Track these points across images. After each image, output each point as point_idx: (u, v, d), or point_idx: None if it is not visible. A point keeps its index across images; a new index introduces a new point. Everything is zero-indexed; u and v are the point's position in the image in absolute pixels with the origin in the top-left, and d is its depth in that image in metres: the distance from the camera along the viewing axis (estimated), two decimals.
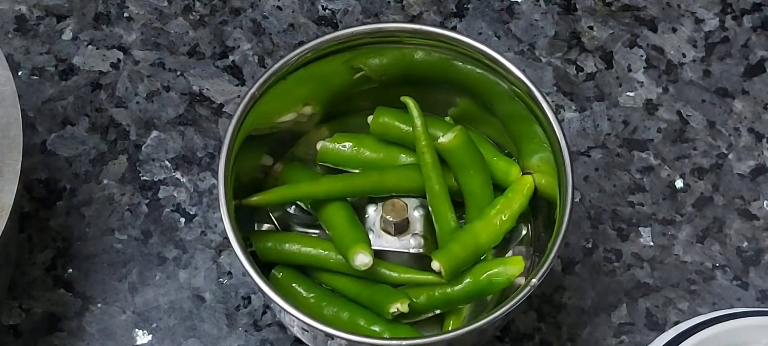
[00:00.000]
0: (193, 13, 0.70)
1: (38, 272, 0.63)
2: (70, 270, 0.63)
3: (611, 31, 0.70)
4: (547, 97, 0.56)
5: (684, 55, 0.69)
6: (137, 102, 0.67)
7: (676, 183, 0.65)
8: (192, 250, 0.63)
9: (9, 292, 0.62)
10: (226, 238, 0.53)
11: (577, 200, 0.64)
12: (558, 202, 0.55)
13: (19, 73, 0.68)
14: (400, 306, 0.55)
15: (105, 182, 0.65)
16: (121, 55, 0.69)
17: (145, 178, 0.65)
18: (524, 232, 0.59)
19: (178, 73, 0.68)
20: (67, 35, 0.69)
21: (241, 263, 0.52)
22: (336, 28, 0.70)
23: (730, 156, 0.66)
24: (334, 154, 0.60)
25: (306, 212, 0.60)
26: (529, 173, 0.58)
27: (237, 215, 0.55)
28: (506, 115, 0.59)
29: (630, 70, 0.68)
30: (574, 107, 0.67)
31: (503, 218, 0.57)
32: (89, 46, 0.69)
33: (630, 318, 0.62)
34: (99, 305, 0.62)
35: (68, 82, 0.68)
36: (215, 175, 0.63)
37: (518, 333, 0.61)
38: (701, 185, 0.65)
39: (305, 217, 0.60)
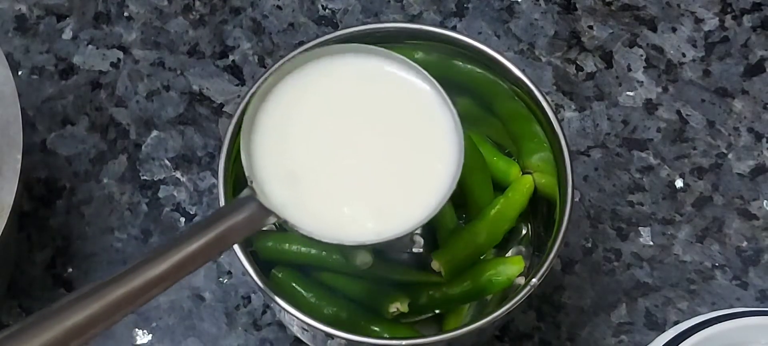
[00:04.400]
0: (193, 13, 0.70)
1: (38, 272, 0.63)
2: (70, 269, 0.63)
3: (611, 31, 0.70)
4: (547, 97, 0.56)
5: (684, 55, 0.69)
6: (137, 101, 0.67)
7: (675, 183, 0.65)
8: None
9: (9, 291, 0.62)
10: None
11: (576, 199, 0.65)
12: (558, 202, 0.55)
13: (19, 72, 0.68)
14: (400, 306, 0.55)
15: (105, 181, 0.65)
16: (121, 54, 0.69)
17: (145, 177, 0.65)
18: (524, 232, 0.59)
19: (178, 72, 0.68)
20: (67, 34, 0.69)
21: (241, 263, 0.52)
22: (336, 27, 0.70)
23: (730, 156, 0.66)
24: None
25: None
26: (529, 173, 0.58)
27: None
28: (506, 114, 0.59)
29: (630, 70, 0.69)
30: (573, 107, 0.67)
31: (503, 218, 0.57)
32: (89, 45, 0.69)
33: (629, 318, 0.62)
34: None
35: (68, 82, 0.68)
36: (215, 174, 0.63)
37: (518, 333, 0.61)
38: (701, 185, 0.65)
39: None
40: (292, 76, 0.51)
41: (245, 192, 0.48)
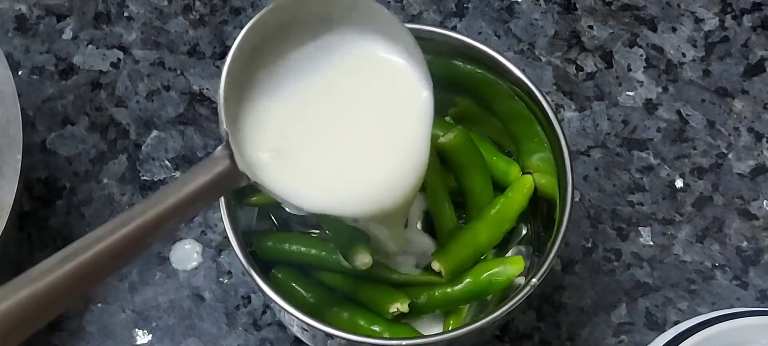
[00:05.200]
0: (193, 13, 0.70)
1: None
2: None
3: (611, 31, 0.70)
4: (547, 97, 0.56)
5: (684, 55, 0.69)
6: (137, 101, 0.67)
7: (675, 183, 0.65)
8: (192, 249, 0.63)
9: None
10: (226, 238, 0.53)
11: (576, 199, 0.65)
12: (558, 201, 0.55)
13: (19, 72, 0.68)
14: (400, 306, 0.55)
15: (105, 181, 0.65)
16: (121, 54, 0.69)
17: (145, 177, 0.65)
18: (524, 232, 0.59)
19: (178, 72, 0.68)
20: (67, 34, 0.69)
21: (241, 263, 0.52)
22: None
23: (730, 156, 0.66)
24: None
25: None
26: (529, 173, 0.58)
27: (237, 215, 0.55)
28: (506, 114, 0.59)
29: (630, 70, 0.69)
30: (574, 107, 0.67)
31: (503, 218, 0.57)
32: (89, 45, 0.69)
33: (629, 318, 0.62)
34: (99, 304, 0.62)
35: (68, 82, 0.68)
36: None
37: (518, 333, 0.61)
38: (701, 185, 0.65)
39: (305, 217, 0.60)
40: (287, 54, 0.51)
41: (219, 151, 0.47)
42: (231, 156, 0.46)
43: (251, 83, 0.50)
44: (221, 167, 0.46)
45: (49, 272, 0.42)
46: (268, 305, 0.62)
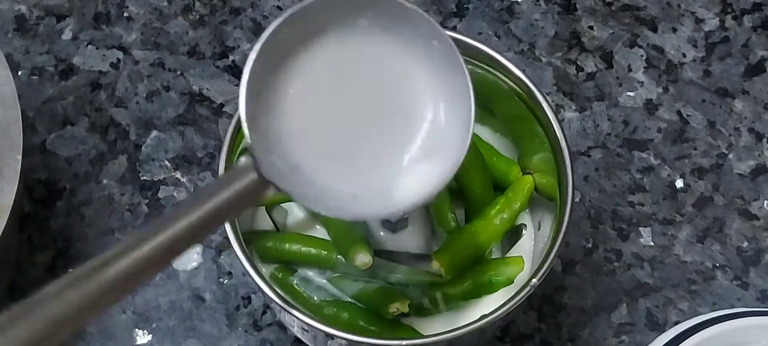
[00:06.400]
0: (193, 13, 0.70)
1: (38, 273, 0.63)
2: (71, 270, 0.63)
3: (611, 31, 0.70)
4: (548, 97, 0.56)
5: (684, 55, 0.69)
6: (137, 102, 0.67)
7: (676, 183, 0.65)
8: (192, 250, 0.63)
9: (9, 292, 0.62)
10: (226, 238, 0.53)
11: (577, 199, 0.64)
12: (558, 202, 0.55)
13: (19, 73, 0.68)
14: (400, 306, 0.55)
15: (105, 182, 0.65)
16: (120, 55, 0.69)
17: (145, 178, 0.65)
18: (524, 232, 0.59)
19: (178, 73, 0.68)
20: (67, 35, 0.69)
21: (241, 263, 0.52)
22: None
23: (731, 156, 0.66)
24: None
25: (306, 211, 0.60)
26: (529, 173, 0.58)
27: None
28: (506, 115, 0.59)
29: (630, 70, 0.68)
30: (574, 107, 0.67)
31: (503, 218, 0.57)
32: (89, 46, 0.69)
33: (630, 318, 0.62)
34: None
35: (68, 82, 0.68)
36: (215, 175, 0.63)
37: (518, 333, 0.61)
38: (701, 185, 0.65)
39: (305, 217, 0.60)
40: (302, 57, 0.49)
41: (244, 160, 0.44)
42: (257, 167, 0.43)
43: (270, 89, 0.48)
44: (247, 180, 0.43)
45: (60, 292, 0.41)
46: (268, 305, 0.62)
